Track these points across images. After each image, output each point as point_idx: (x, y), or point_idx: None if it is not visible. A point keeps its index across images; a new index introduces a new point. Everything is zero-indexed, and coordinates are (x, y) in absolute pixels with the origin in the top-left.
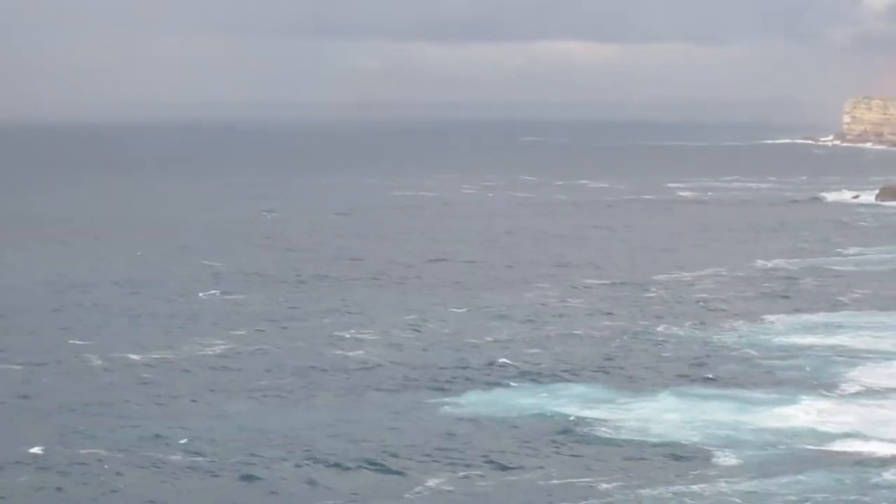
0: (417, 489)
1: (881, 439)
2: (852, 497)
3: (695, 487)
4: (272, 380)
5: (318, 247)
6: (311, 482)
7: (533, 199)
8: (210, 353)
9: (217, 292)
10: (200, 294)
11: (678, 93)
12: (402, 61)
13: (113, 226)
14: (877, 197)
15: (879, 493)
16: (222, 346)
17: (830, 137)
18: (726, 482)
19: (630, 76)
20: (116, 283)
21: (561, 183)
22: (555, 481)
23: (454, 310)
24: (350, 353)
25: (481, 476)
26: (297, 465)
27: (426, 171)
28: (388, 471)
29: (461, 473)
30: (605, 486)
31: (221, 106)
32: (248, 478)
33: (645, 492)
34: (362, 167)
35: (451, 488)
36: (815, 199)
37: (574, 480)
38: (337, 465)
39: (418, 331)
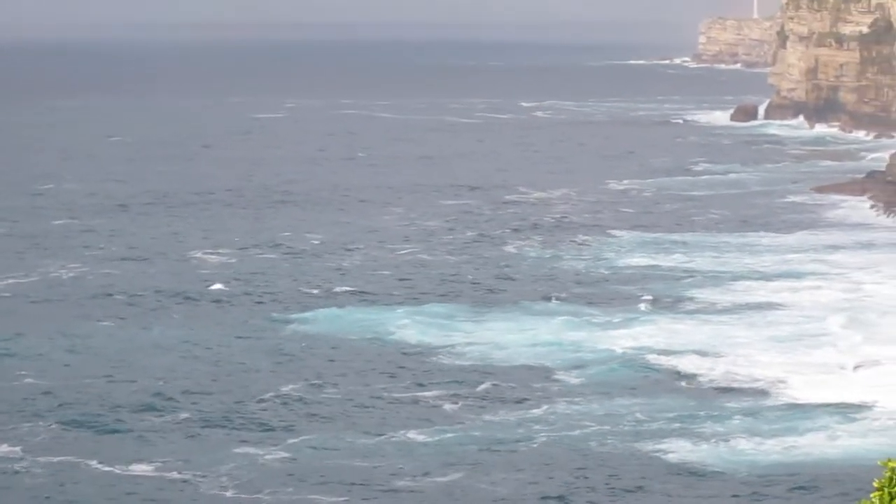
0: (265, 404)
1: (719, 356)
2: (702, 413)
3: (541, 410)
4: (126, 302)
5: (172, 170)
6: (161, 401)
7: (390, 119)
8: (63, 276)
9: (70, 217)
10: (54, 222)
11: (535, 14)
12: None
13: None
14: (731, 117)
15: (725, 408)
16: (75, 271)
17: (686, 58)
18: (572, 404)
19: None
20: None
21: (418, 104)
22: (400, 403)
23: (308, 232)
24: (202, 275)
25: (326, 395)
26: (149, 386)
27: (286, 93)
28: (236, 387)
29: (308, 391)
30: (449, 406)
31: (96, 27)
32: (97, 399)
33: (489, 417)
34: (230, 89)
35: (297, 402)
36: (670, 119)
37: (417, 395)
38: (187, 384)
39: (271, 252)
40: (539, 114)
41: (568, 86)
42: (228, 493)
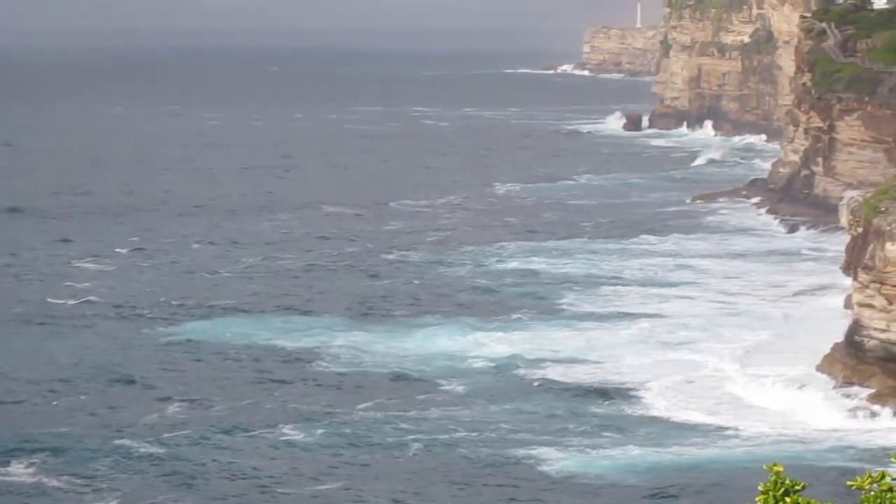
0: (143, 410)
1: (590, 362)
2: (572, 419)
3: (414, 417)
4: (3, 313)
5: (47, 178)
6: (41, 406)
7: (278, 128)
8: None
9: None
10: None
11: (417, 21)
12: None
13: None
14: (624, 127)
15: (596, 414)
16: None
17: (571, 66)
18: (446, 411)
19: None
20: None
21: (304, 113)
22: (276, 410)
23: (188, 241)
24: (80, 287)
25: (211, 401)
26: (28, 394)
27: (172, 100)
28: (114, 394)
29: (193, 399)
30: (324, 413)
31: None
32: None
33: (363, 424)
34: (114, 97)
35: (185, 416)
36: (555, 128)
37: (293, 403)
38: (66, 389)
39: (147, 262)
40: (426, 122)
41: (453, 94)
42: (107, 496)
